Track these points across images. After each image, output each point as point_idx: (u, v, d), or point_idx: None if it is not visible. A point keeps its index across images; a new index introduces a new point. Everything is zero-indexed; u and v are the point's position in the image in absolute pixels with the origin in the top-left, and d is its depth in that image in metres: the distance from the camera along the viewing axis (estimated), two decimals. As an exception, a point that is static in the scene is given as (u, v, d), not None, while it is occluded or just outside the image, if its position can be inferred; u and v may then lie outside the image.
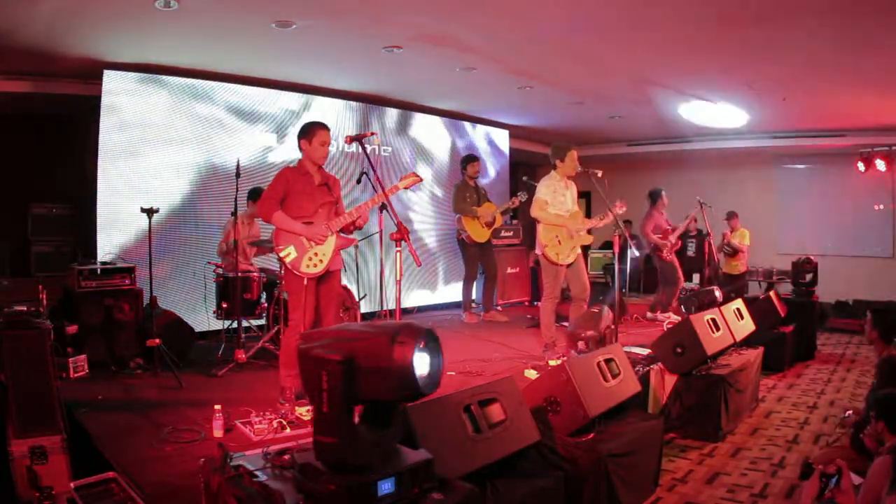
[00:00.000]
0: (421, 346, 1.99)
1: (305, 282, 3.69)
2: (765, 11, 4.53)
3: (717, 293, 5.98)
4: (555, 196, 5.15)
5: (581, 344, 4.62)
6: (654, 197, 7.52)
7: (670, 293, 7.34)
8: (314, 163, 3.87)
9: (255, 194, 5.51)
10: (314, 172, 3.88)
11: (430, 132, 8.55)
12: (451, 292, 8.61)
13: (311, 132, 3.82)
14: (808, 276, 7.76)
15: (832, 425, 4.72)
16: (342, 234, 3.86)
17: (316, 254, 3.75)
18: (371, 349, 1.99)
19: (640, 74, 6.47)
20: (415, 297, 8.09)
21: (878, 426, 2.73)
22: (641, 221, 7.52)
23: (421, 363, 1.99)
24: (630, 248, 5.32)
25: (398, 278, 3.62)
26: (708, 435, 4.45)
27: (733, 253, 8.72)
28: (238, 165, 5.04)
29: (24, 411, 3.00)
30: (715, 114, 8.22)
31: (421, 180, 3.95)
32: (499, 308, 7.75)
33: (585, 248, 5.98)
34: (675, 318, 6.76)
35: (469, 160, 7.37)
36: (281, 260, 3.80)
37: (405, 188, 3.89)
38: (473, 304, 7.54)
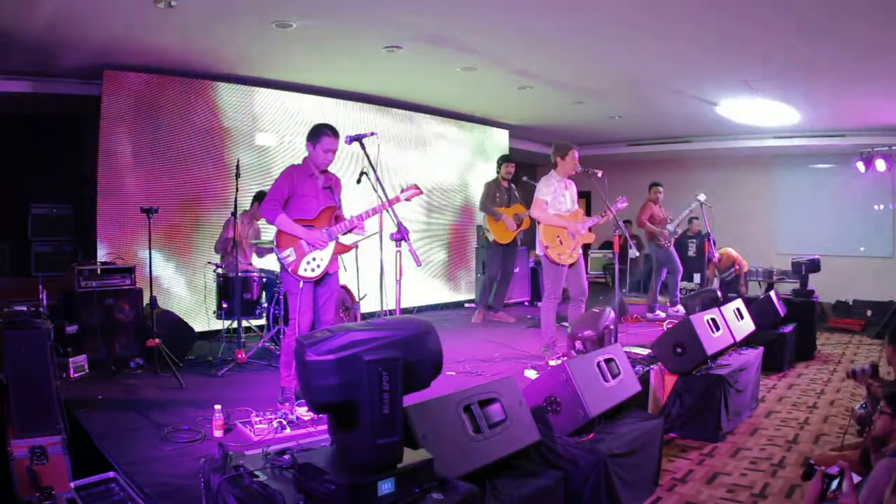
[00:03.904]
0: None
1: (302, 283, 3.70)
2: (766, 11, 4.53)
3: (718, 293, 6.00)
4: (555, 196, 5.15)
5: (579, 344, 4.59)
6: (648, 189, 7.76)
7: (673, 283, 7.38)
8: (317, 167, 3.86)
9: (261, 197, 5.50)
10: (318, 175, 3.87)
11: (430, 132, 8.55)
12: (451, 292, 8.60)
13: (317, 136, 3.77)
14: (812, 276, 7.83)
15: (833, 425, 4.70)
16: (341, 241, 3.84)
17: (315, 258, 3.75)
18: (413, 344, 2.12)
19: (640, 73, 6.47)
20: (414, 297, 8.08)
21: None
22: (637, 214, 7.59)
23: None
24: (630, 247, 5.32)
25: (398, 278, 3.62)
26: (708, 435, 4.44)
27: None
28: (238, 165, 5.05)
29: (24, 411, 3.00)
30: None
31: (421, 192, 3.95)
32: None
33: (585, 248, 5.98)
34: (683, 310, 6.74)
35: (504, 160, 7.38)
36: (281, 261, 3.81)
37: (406, 199, 3.88)
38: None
